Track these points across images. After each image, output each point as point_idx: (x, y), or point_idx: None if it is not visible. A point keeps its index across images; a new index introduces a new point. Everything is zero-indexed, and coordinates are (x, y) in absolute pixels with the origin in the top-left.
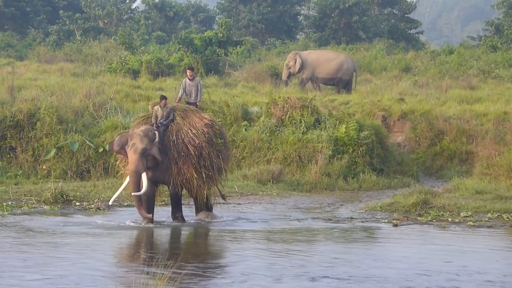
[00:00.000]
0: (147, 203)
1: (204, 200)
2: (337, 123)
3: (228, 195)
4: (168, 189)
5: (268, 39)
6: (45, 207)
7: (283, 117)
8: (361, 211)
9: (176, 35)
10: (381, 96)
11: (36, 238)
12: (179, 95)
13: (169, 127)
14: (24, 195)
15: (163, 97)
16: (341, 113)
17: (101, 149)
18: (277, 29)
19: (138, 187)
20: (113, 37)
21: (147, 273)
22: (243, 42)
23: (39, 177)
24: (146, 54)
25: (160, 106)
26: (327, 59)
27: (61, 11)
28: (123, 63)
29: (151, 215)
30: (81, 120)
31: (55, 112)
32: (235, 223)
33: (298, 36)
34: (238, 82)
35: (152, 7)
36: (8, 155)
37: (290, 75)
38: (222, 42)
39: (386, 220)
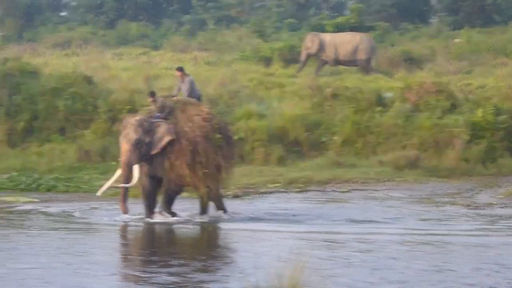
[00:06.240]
0: (147, 200)
1: (216, 200)
2: (474, 107)
3: (365, 181)
4: (163, 184)
5: (401, 23)
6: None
7: (418, 102)
8: (501, 196)
9: (308, 22)
10: None
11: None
12: (173, 92)
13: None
14: None
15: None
16: (478, 97)
17: (236, 137)
18: (410, 14)
19: (128, 179)
20: (245, 26)
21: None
22: (376, 27)
23: None
24: (278, 41)
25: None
26: (342, 41)
27: (194, 1)
28: (256, 51)
29: (152, 212)
30: (216, 108)
31: None
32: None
33: (431, 20)
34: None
35: None
36: None
37: (308, 56)
38: (354, 28)
39: None
